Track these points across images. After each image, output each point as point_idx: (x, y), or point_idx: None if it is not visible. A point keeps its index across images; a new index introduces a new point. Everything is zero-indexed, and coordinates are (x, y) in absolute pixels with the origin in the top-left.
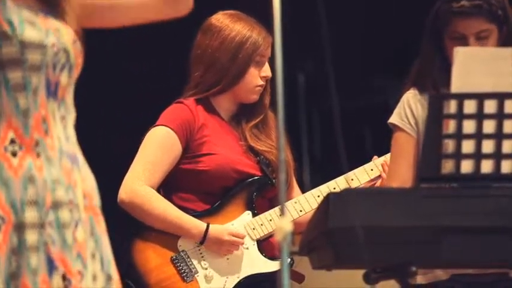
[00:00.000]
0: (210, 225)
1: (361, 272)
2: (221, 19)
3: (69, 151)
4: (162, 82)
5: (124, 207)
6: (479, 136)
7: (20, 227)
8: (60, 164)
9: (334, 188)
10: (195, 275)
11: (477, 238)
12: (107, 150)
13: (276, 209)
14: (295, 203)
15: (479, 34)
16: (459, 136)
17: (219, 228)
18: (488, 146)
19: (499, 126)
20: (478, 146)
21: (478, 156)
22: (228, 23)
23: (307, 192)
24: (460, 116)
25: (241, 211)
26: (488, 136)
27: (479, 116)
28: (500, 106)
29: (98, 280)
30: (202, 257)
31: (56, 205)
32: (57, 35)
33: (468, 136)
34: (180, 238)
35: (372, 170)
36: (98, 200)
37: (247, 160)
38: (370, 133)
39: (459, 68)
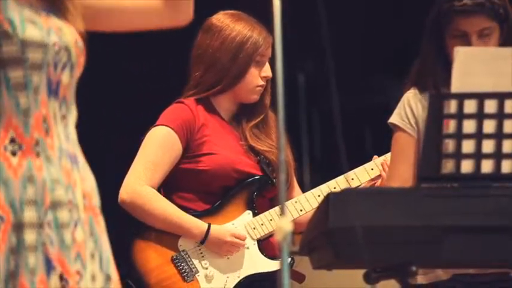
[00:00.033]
0: (212, 226)
1: (362, 271)
2: (222, 19)
3: (69, 150)
4: (162, 82)
5: (125, 208)
6: (479, 136)
7: (18, 227)
8: (60, 164)
9: (335, 188)
10: (196, 275)
11: (477, 238)
12: (107, 150)
13: (277, 209)
14: (296, 202)
15: (481, 32)
16: (459, 136)
17: (221, 228)
18: (488, 146)
19: (499, 126)
20: (478, 145)
21: (478, 156)
22: (228, 23)
23: (308, 192)
24: (460, 116)
25: (242, 211)
26: (489, 136)
27: (480, 116)
28: (501, 106)
29: (97, 280)
30: (203, 256)
31: (55, 205)
32: (59, 34)
33: (468, 136)
34: (180, 238)
35: (372, 169)
36: (97, 200)
37: (248, 160)
38: (370, 133)
39: (459, 68)
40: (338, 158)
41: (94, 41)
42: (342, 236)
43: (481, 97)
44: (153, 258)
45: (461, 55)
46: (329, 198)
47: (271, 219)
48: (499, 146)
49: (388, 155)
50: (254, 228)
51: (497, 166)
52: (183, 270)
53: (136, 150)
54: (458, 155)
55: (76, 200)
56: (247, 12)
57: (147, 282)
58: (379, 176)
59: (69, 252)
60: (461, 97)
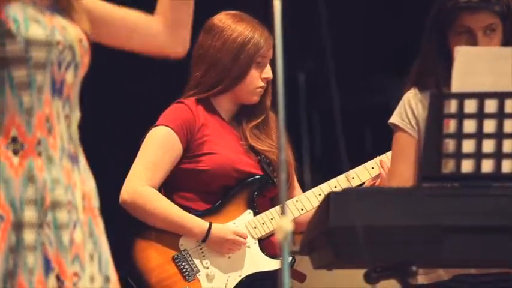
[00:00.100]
0: (213, 224)
1: (362, 271)
2: (223, 19)
3: (71, 151)
4: (163, 82)
5: (126, 208)
6: (479, 135)
7: (18, 226)
8: (61, 164)
9: (335, 187)
10: (197, 274)
11: (478, 238)
12: (107, 151)
13: (278, 208)
14: (297, 201)
15: (487, 28)
16: (460, 135)
17: (223, 227)
18: (488, 146)
19: (500, 125)
20: (479, 145)
21: (478, 155)
22: (230, 24)
23: (308, 191)
24: (460, 116)
25: (243, 210)
26: (489, 136)
27: (480, 116)
28: (501, 106)
29: (95, 281)
30: (204, 255)
31: (55, 205)
32: (63, 33)
33: (469, 135)
34: (181, 237)
35: (372, 168)
36: (96, 202)
37: (248, 159)
38: (370, 133)
39: (460, 68)
40: (338, 157)
41: (98, 44)
42: (342, 235)
43: (481, 97)
44: (154, 257)
45: (461, 55)
46: (329, 197)
47: (272, 218)
48: (499, 145)
49: (389, 153)
50: (255, 227)
51: (498, 166)
52: (184, 270)
53: (137, 151)
54: (458, 155)
55: (75, 201)
56: (248, 12)
57: (148, 281)
58: (379, 174)
59: (66, 254)
60: (462, 97)
